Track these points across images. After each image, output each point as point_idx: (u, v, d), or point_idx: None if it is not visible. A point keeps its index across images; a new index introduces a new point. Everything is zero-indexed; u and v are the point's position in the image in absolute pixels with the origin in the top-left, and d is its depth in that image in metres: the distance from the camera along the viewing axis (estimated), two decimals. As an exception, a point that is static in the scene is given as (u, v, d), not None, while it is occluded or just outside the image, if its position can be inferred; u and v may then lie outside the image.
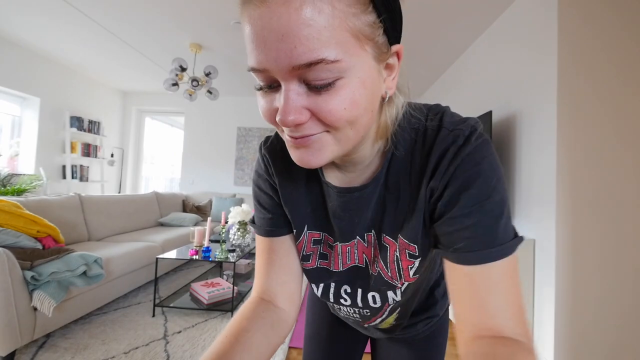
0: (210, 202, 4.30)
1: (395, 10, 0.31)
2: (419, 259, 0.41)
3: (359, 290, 0.49)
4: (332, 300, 0.52)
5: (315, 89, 0.28)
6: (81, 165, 4.14)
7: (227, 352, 0.37)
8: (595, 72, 1.67)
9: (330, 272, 0.50)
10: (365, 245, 0.46)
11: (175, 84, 3.05)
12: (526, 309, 0.37)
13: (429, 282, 0.56)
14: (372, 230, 0.44)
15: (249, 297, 0.46)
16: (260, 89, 0.31)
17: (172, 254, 2.28)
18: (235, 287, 2.25)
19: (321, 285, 0.51)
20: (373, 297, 0.48)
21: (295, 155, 0.33)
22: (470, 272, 0.34)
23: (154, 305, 2.12)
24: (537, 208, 1.82)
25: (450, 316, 1.92)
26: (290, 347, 1.79)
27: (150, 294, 2.49)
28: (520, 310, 0.35)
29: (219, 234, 3.33)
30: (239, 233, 2.61)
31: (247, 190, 4.79)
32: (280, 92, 0.29)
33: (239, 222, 2.62)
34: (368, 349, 0.78)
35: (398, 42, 0.33)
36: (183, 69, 3.00)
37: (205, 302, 2.16)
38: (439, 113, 0.38)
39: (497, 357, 0.30)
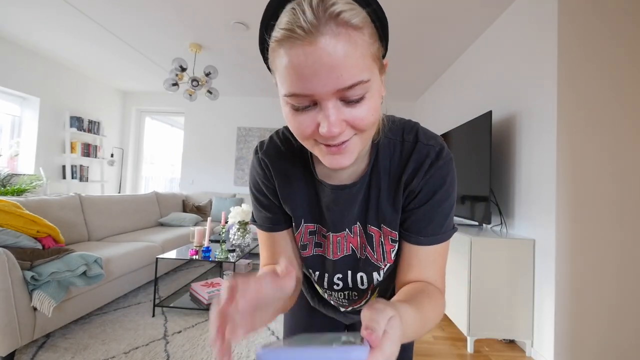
0: (210, 202, 4.30)
1: (388, 38, 0.40)
2: (397, 243, 0.52)
3: (349, 273, 0.57)
4: (326, 286, 0.60)
5: (350, 103, 0.35)
6: (81, 165, 4.14)
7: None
8: (595, 72, 1.67)
9: (325, 259, 0.57)
10: (352, 236, 0.54)
11: (175, 84, 3.05)
12: (445, 275, 0.52)
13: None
14: (358, 223, 0.53)
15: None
16: (297, 109, 0.37)
17: (172, 254, 2.28)
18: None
19: (317, 272, 0.59)
20: (361, 277, 0.57)
21: (328, 160, 0.40)
22: (419, 250, 0.49)
23: (154, 305, 2.12)
24: (537, 208, 1.82)
25: (450, 317, 1.90)
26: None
27: (150, 294, 2.49)
28: (443, 276, 0.51)
29: (219, 234, 3.33)
30: (239, 233, 2.61)
31: (247, 190, 4.79)
32: (319, 109, 0.36)
33: (239, 222, 2.62)
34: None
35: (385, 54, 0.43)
36: (183, 69, 3.00)
37: (205, 302, 2.15)
38: (413, 128, 0.50)
39: (425, 289, 0.45)
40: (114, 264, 2.09)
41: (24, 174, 3.46)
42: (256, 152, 0.54)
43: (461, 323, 1.91)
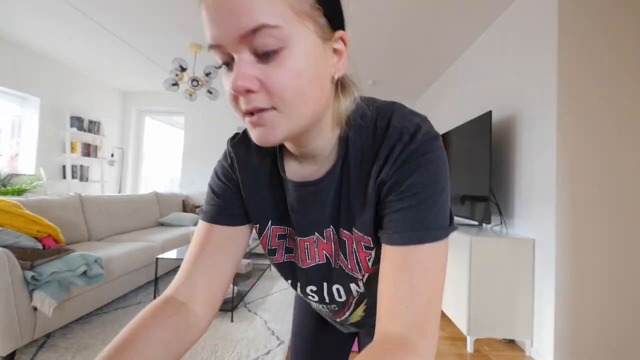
0: (210, 202, 4.29)
1: (340, 7, 0.35)
2: (374, 250, 0.42)
3: (325, 285, 0.50)
4: (301, 295, 0.54)
5: (263, 58, 0.30)
6: (81, 165, 4.14)
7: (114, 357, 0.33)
8: (595, 72, 1.67)
9: (296, 267, 0.51)
10: (325, 241, 0.47)
11: (175, 84, 3.06)
12: (438, 305, 0.34)
13: None
14: (331, 226, 0.45)
15: (160, 297, 0.42)
16: (220, 67, 0.33)
17: (172, 254, 2.28)
18: (235, 287, 2.25)
19: (289, 281, 0.53)
20: (337, 290, 0.50)
21: (253, 134, 0.34)
22: (394, 252, 0.35)
23: (154, 305, 2.11)
24: (537, 208, 1.82)
25: (450, 316, 1.91)
26: (290, 347, 1.79)
27: (150, 294, 2.49)
28: (427, 303, 0.33)
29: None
30: (239, 233, 2.61)
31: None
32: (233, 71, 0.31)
33: (239, 222, 2.62)
34: (355, 347, 0.79)
35: (342, 28, 0.36)
36: (183, 69, 3.00)
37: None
38: (388, 113, 0.40)
39: None
40: (114, 264, 2.09)
41: (24, 174, 3.46)
42: (228, 142, 0.50)
43: (461, 323, 1.92)
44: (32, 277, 1.55)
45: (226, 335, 1.88)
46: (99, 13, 2.56)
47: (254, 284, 2.73)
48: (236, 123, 4.87)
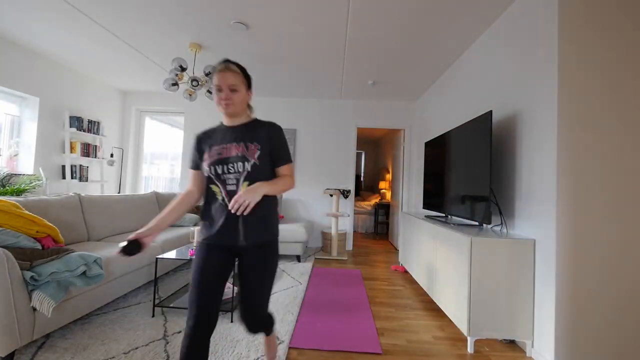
0: (210, 202, 4.29)
1: (250, 81, 1.24)
2: (259, 150, 1.17)
3: (235, 163, 1.15)
4: (225, 170, 1.15)
5: (232, 91, 1.17)
6: (81, 165, 4.13)
7: (168, 212, 1.17)
8: (595, 72, 1.67)
9: (223, 158, 1.16)
10: (238, 146, 1.17)
11: (175, 84, 3.05)
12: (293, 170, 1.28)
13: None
14: (241, 142, 1.18)
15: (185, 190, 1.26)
16: (215, 91, 1.18)
17: (172, 254, 2.28)
18: (235, 287, 2.24)
19: (219, 166, 1.15)
20: (240, 164, 1.15)
21: (225, 108, 1.17)
22: (279, 169, 1.25)
23: (154, 306, 2.11)
24: (537, 208, 1.82)
25: (451, 317, 1.90)
26: (290, 348, 1.79)
27: (150, 294, 2.49)
28: (291, 170, 1.26)
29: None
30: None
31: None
32: (223, 92, 1.16)
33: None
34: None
35: (250, 88, 1.25)
36: (183, 69, 3.00)
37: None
38: (260, 120, 1.29)
39: (282, 178, 1.22)
40: (114, 264, 2.09)
41: (24, 174, 3.45)
42: (197, 134, 1.28)
43: (461, 323, 1.91)
44: (31, 277, 1.55)
45: (226, 335, 1.87)
46: (99, 12, 2.56)
47: (254, 284, 2.73)
48: (236, 123, 4.87)
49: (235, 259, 1.23)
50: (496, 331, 1.83)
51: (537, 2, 1.89)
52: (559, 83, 1.69)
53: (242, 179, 1.14)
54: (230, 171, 1.14)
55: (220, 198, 1.16)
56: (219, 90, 1.14)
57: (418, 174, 4.32)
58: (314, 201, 4.77)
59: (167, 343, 1.77)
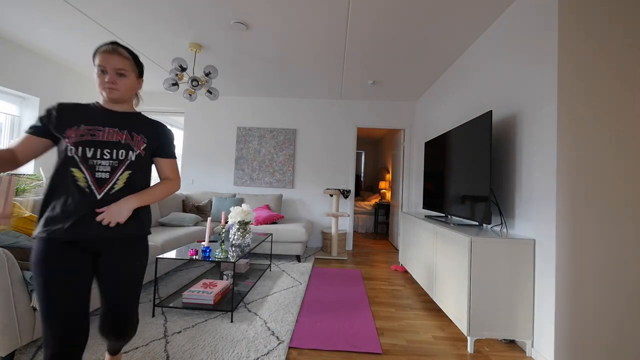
0: (210, 202, 4.30)
1: (142, 68, 1.22)
2: (146, 143, 1.15)
3: (114, 149, 1.07)
4: (98, 156, 1.04)
5: (119, 75, 1.09)
6: (81, 165, 4.13)
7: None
8: (595, 72, 1.67)
9: (97, 141, 1.05)
10: (121, 133, 1.10)
11: (175, 84, 3.05)
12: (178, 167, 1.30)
13: (144, 182, 1.18)
14: (125, 130, 1.11)
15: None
16: (99, 72, 1.08)
17: (172, 254, 2.28)
18: (235, 287, 2.25)
19: (90, 149, 1.03)
20: (122, 152, 1.08)
21: (109, 93, 1.09)
22: (163, 161, 1.25)
23: (154, 305, 2.11)
24: (537, 208, 1.82)
25: (450, 317, 1.89)
26: (290, 348, 1.79)
27: (150, 294, 2.49)
28: (174, 170, 1.28)
29: (219, 234, 3.32)
30: (238, 233, 2.61)
31: (247, 190, 4.79)
32: (107, 74, 1.07)
33: (239, 222, 2.62)
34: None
35: (142, 76, 1.23)
36: (183, 69, 3.00)
37: (205, 302, 2.15)
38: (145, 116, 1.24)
39: (162, 183, 1.24)
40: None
41: (24, 174, 3.45)
42: (56, 104, 1.06)
43: (461, 323, 1.91)
44: (32, 277, 1.54)
45: (226, 335, 1.88)
46: (99, 12, 2.56)
47: (254, 284, 2.73)
48: (236, 122, 4.87)
49: (94, 258, 1.09)
50: (496, 331, 1.83)
51: (537, 2, 1.89)
52: (559, 83, 1.69)
53: (123, 168, 1.06)
54: (105, 157, 1.03)
55: (83, 185, 1.00)
56: (103, 71, 1.04)
57: (418, 174, 4.33)
58: (314, 201, 4.77)
59: (167, 343, 1.77)
